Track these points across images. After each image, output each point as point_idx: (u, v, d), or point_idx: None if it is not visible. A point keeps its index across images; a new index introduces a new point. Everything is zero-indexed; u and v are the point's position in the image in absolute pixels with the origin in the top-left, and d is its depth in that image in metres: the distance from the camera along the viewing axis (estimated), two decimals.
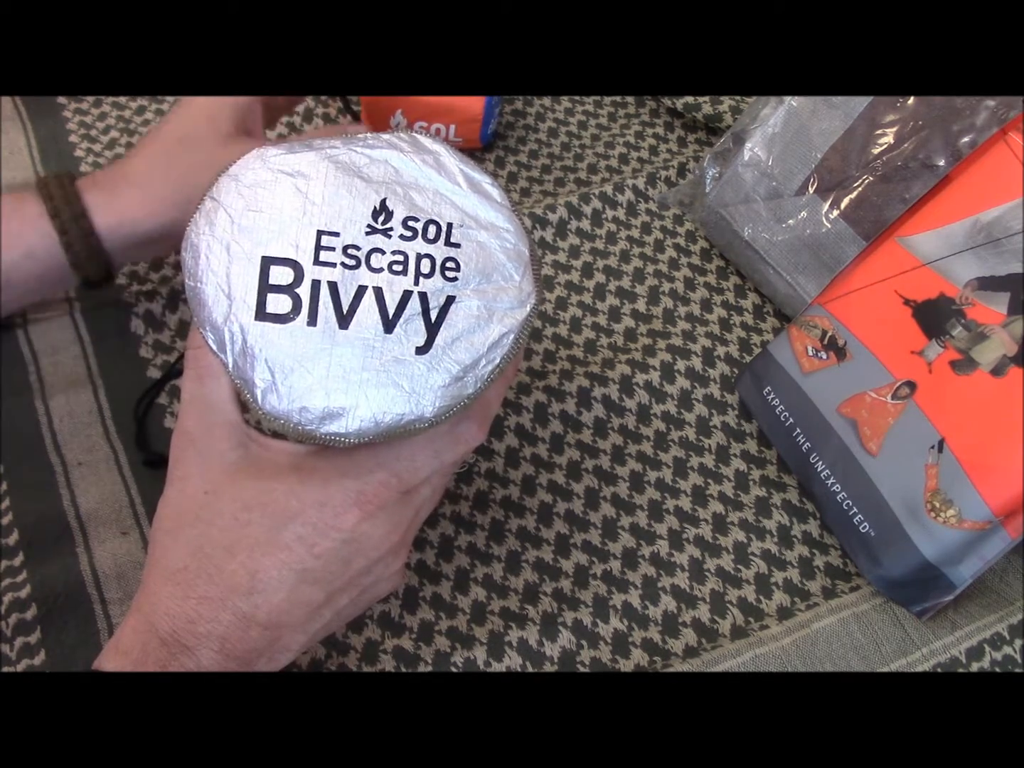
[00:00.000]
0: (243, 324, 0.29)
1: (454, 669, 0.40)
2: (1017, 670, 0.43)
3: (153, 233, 0.45)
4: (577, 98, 0.71)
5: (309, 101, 0.65)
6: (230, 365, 0.30)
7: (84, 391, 0.48)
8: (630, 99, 0.71)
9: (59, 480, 0.45)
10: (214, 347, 0.30)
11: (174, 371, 0.49)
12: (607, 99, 0.71)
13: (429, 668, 0.40)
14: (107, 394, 0.48)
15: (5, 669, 0.38)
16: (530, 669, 0.41)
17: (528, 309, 0.31)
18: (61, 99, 0.63)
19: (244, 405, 0.33)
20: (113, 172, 0.46)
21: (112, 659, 0.30)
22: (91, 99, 0.64)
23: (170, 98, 0.65)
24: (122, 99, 0.64)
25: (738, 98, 0.66)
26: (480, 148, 0.64)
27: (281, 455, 0.33)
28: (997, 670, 0.42)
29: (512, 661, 0.41)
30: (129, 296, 0.52)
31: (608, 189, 0.61)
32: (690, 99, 0.66)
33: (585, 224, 0.60)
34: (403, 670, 0.40)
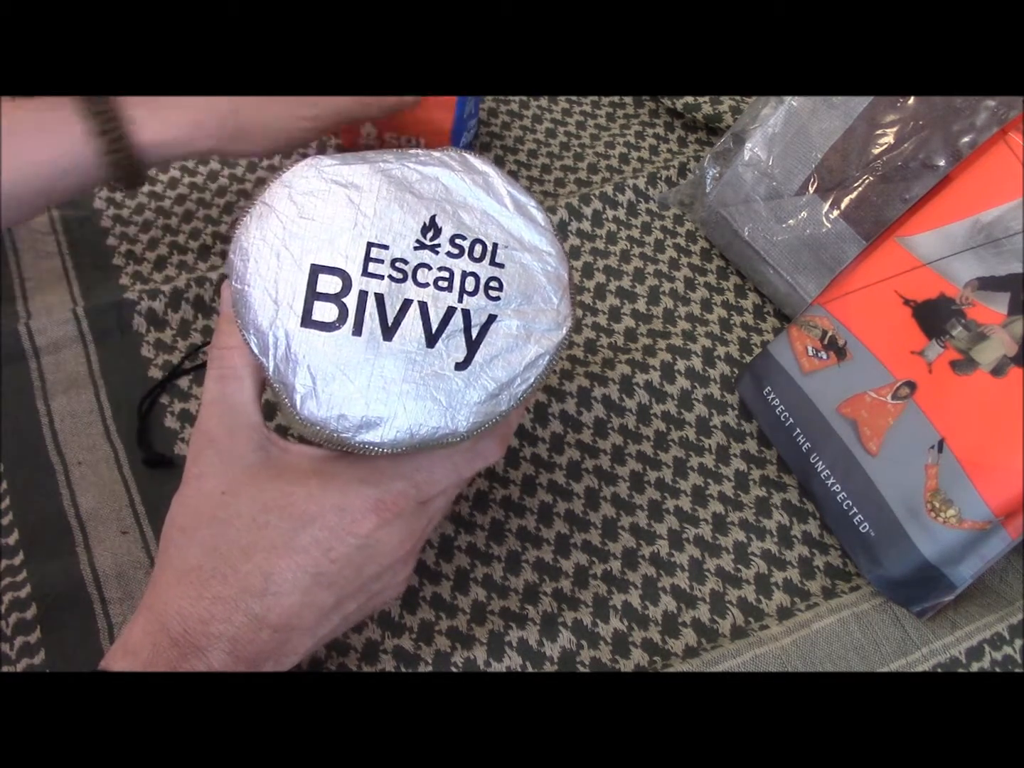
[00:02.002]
0: (288, 330, 0.30)
1: (454, 669, 0.40)
2: (1017, 670, 0.43)
3: (192, 154, 0.47)
4: (574, 98, 0.71)
5: None
6: (271, 369, 0.30)
7: (85, 390, 0.48)
8: (628, 99, 0.71)
9: (59, 480, 0.45)
10: (256, 350, 0.30)
11: (179, 370, 0.49)
12: (605, 99, 0.71)
13: (429, 668, 0.40)
14: (108, 393, 0.48)
15: (5, 668, 0.38)
16: (530, 669, 0.41)
17: (564, 332, 0.31)
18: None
19: (265, 409, 0.33)
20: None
21: (121, 659, 0.30)
22: None
23: None
24: None
25: (738, 98, 0.66)
26: None
27: (301, 459, 0.33)
28: (997, 670, 0.42)
29: (512, 661, 0.41)
30: (131, 295, 0.52)
31: (608, 189, 0.61)
32: (690, 99, 0.66)
33: (585, 224, 0.60)
34: (403, 670, 0.40)
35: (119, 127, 0.44)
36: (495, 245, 0.31)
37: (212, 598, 0.30)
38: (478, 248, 0.31)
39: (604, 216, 0.61)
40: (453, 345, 0.30)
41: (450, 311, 0.30)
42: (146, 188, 0.59)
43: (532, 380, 0.31)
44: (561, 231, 0.59)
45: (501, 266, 0.31)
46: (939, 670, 0.42)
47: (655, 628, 0.43)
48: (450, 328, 0.30)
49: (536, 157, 0.66)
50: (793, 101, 0.53)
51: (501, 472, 0.48)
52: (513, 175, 0.64)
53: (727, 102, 0.65)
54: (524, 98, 0.70)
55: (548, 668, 0.41)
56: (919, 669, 0.42)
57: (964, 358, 0.41)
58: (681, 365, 0.53)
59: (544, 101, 0.70)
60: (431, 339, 0.30)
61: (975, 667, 0.42)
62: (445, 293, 0.30)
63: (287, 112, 0.48)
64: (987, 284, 0.41)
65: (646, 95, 0.71)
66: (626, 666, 0.42)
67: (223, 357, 0.34)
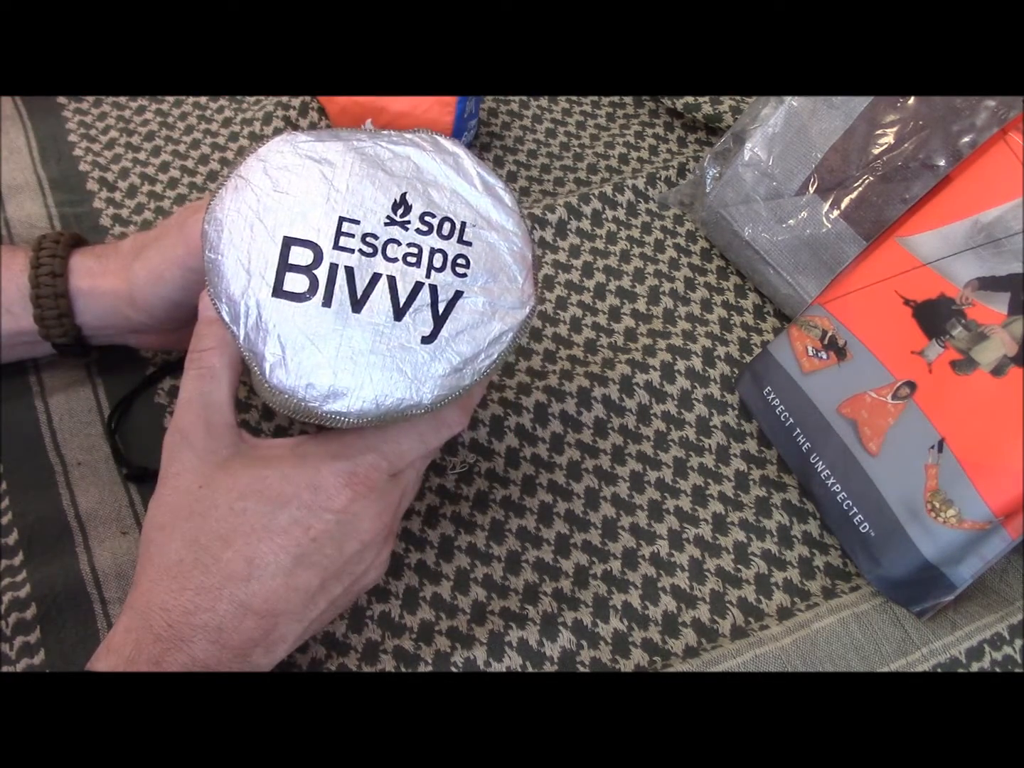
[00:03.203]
0: (259, 299, 0.30)
1: (454, 669, 0.40)
2: (1017, 670, 0.43)
3: (125, 311, 0.42)
4: (574, 98, 0.71)
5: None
6: (241, 337, 0.31)
7: (84, 390, 0.48)
8: (628, 99, 0.71)
9: (59, 480, 0.45)
10: (227, 319, 0.31)
11: (145, 385, 0.48)
12: (605, 99, 0.71)
13: (429, 668, 0.40)
14: (107, 393, 0.48)
15: (5, 668, 0.38)
16: (530, 669, 0.41)
17: (528, 310, 0.32)
18: (61, 99, 0.63)
19: (239, 405, 0.33)
20: (117, 243, 0.44)
21: (104, 658, 0.31)
22: (91, 99, 0.64)
23: (170, 98, 0.65)
24: (122, 99, 0.64)
25: (738, 98, 0.66)
26: None
27: (272, 448, 0.34)
28: (997, 670, 0.42)
29: (512, 661, 0.41)
30: None
31: (608, 189, 0.61)
32: (690, 99, 0.66)
33: (585, 224, 0.60)
34: (403, 670, 0.40)
35: (54, 265, 0.42)
36: (463, 224, 0.32)
37: (195, 589, 0.31)
38: (447, 226, 0.32)
39: (604, 216, 0.61)
40: (420, 319, 0.31)
41: (418, 286, 0.31)
42: (145, 188, 0.59)
43: (495, 356, 0.32)
44: (560, 231, 0.59)
45: (469, 244, 0.32)
46: (939, 670, 0.42)
47: (655, 628, 0.43)
48: (417, 302, 0.31)
49: (536, 157, 0.66)
50: (793, 101, 0.53)
51: (501, 472, 0.48)
52: (513, 175, 0.64)
53: (727, 102, 0.65)
54: (524, 98, 0.70)
55: (548, 668, 0.41)
56: (919, 669, 0.42)
57: (964, 358, 0.41)
58: (681, 365, 0.53)
59: (544, 101, 0.70)
60: (399, 312, 0.31)
61: (975, 667, 0.42)
62: (413, 268, 0.31)
63: None
64: (987, 284, 0.41)
65: (646, 95, 0.71)
66: (626, 666, 0.42)
67: (202, 358, 0.34)
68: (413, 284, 0.31)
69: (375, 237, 0.31)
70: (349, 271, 0.31)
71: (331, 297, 0.30)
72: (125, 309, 0.42)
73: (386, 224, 0.31)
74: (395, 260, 0.31)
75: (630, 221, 0.61)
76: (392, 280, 0.31)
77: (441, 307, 0.31)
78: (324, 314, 0.30)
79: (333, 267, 0.31)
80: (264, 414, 0.48)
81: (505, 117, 0.68)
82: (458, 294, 0.31)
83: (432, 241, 0.31)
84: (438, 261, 0.31)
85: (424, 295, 0.31)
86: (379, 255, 0.31)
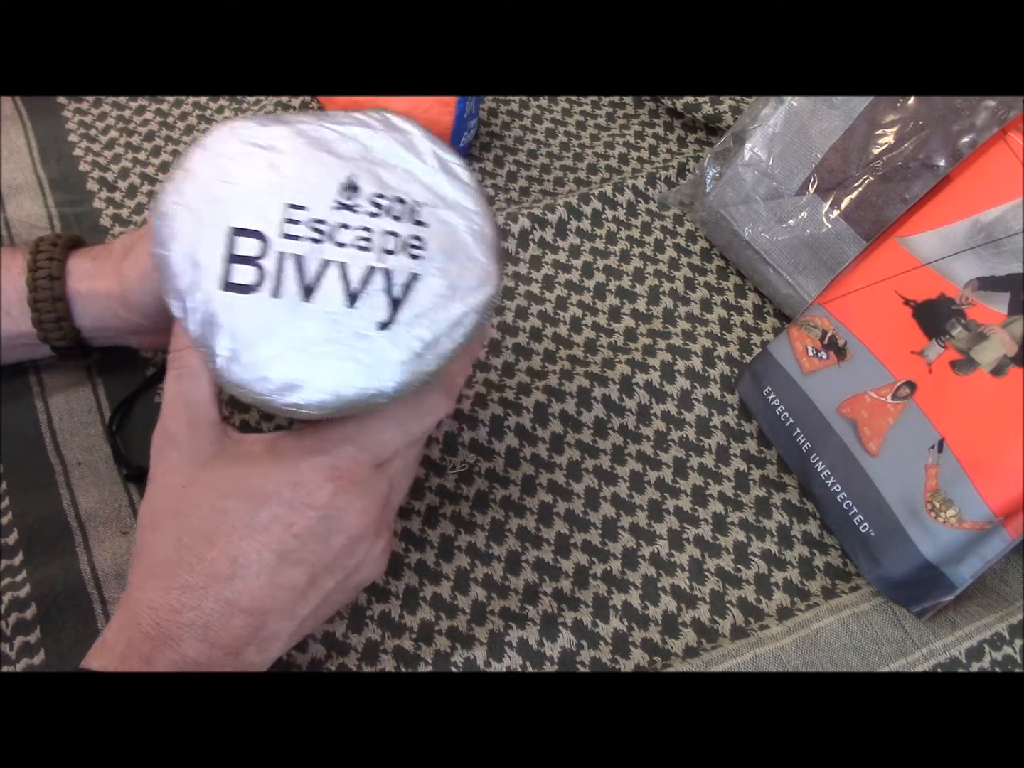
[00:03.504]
0: (208, 293, 0.30)
1: (454, 669, 0.40)
2: (1017, 670, 0.43)
3: (120, 312, 0.42)
4: (574, 98, 0.71)
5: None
6: (195, 334, 0.30)
7: (84, 390, 0.48)
8: (628, 99, 0.71)
9: (59, 480, 0.45)
10: (178, 314, 0.30)
11: (142, 388, 0.48)
12: (605, 99, 0.71)
13: (429, 668, 0.40)
14: (107, 393, 0.48)
15: (5, 669, 0.38)
16: (530, 669, 0.41)
17: (490, 289, 0.31)
18: (61, 99, 0.63)
19: (223, 402, 0.33)
20: (111, 244, 0.44)
21: (97, 657, 0.31)
22: (91, 99, 0.64)
23: (170, 98, 0.65)
24: (122, 99, 0.64)
25: (738, 98, 0.66)
26: None
27: (255, 444, 0.33)
28: (997, 670, 0.42)
29: (512, 661, 0.41)
30: None
31: (608, 189, 0.61)
32: (690, 99, 0.66)
33: (585, 224, 0.60)
34: (403, 670, 0.40)
35: (52, 268, 0.41)
36: (417, 203, 0.31)
37: (181, 588, 0.30)
38: (399, 207, 0.31)
39: (604, 216, 0.61)
40: (375, 304, 0.30)
41: (370, 271, 0.30)
42: (145, 188, 0.59)
43: (460, 339, 0.31)
44: (560, 231, 0.59)
45: (424, 224, 0.31)
46: (939, 670, 0.42)
47: (655, 628, 0.43)
48: (371, 288, 0.30)
49: (536, 157, 0.66)
50: (793, 101, 0.53)
51: (501, 472, 0.48)
52: (513, 175, 0.64)
53: (727, 102, 0.65)
54: (524, 98, 0.70)
55: (548, 668, 0.41)
56: (919, 669, 0.42)
57: (964, 358, 0.41)
58: (681, 365, 0.53)
59: (544, 101, 0.70)
60: (352, 299, 0.30)
61: (975, 667, 0.42)
62: (365, 253, 0.30)
63: None
64: (987, 284, 0.41)
65: (646, 95, 0.71)
66: (626, 666, 0.42)
67: (181, 357, 0.34)
68: (365, 269, 0.30)
69: (324, 223, 0.30)
70: (298, 259, 0.30)
71: (280, 287, 0.30)
72: (119, 310, 0.42)
73: (335, 208, 0.30)
74: (345, 245, 0.30)
75: (630, 221, 0.61)
76: (343, 266, 0.30)
77: (396, 291, 0.30)
78: (274, 305, 0.30)
79: (281, 256, 0.30)
80: (264, 413, 0.48)
81: (505, 117, 0.68)
82: (414, 277, 0.30)
83: (384, 223, 0.30)
84: (391, 244, 0.30)
85: (377, 280, 0.30)
86: (328, 241, 0.30)
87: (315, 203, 0.30)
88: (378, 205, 0.30)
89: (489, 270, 0.31)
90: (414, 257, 0.30)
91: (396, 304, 0.30)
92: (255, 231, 0.30)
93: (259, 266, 0.30)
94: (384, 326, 0.30)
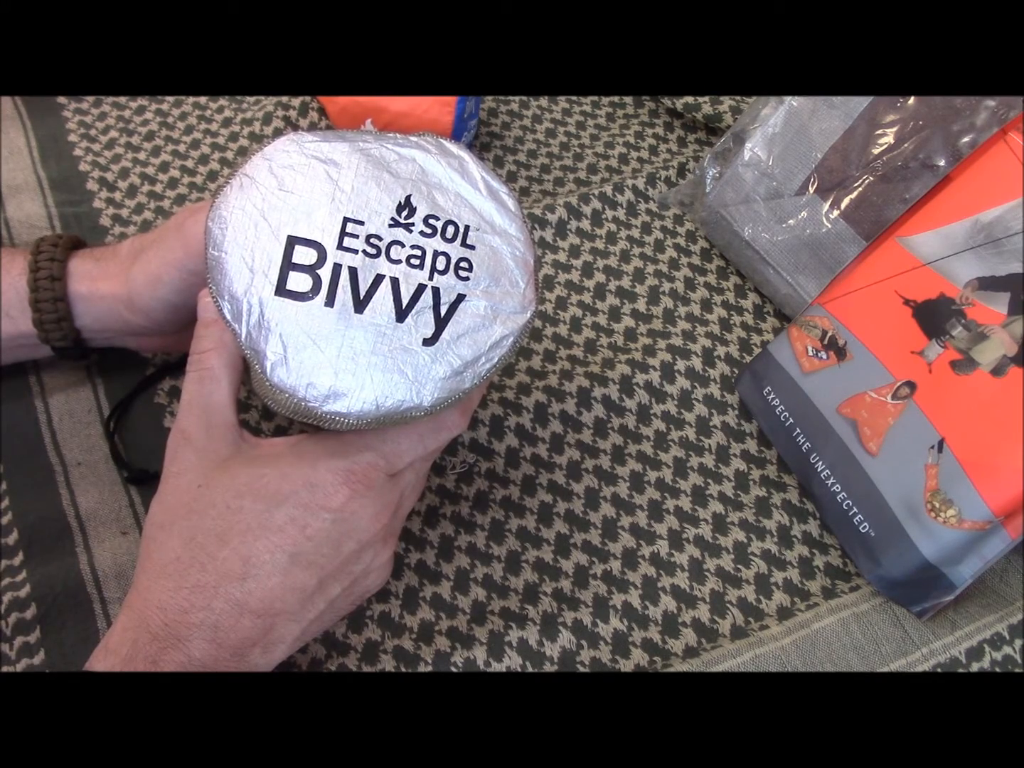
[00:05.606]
0: (262, 297, 0.30)
1: (454, 669, 0.40)
2: (1017, 670, 0.43)
3: (123, 315, 0.42)
4: (574, 98, 0.71)
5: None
6: (243, 336, 0.31)
7: (83, 390, 0.48)
8: (628, 99, 0.71)
9: (59, 480, 0.45)
10: (229, 317, 0.31)
11: (141, 388, 0.48)
12: (605, 99, 0.71)
13: (429, 668, 0.40)
14: (107, 393, 0.48)
15: (5, 669, 0.38)
16: (530, 669, 0.41)
17: (528, 315, 0.32)
18: (61, 99, 0.63)
19: (239, 406, 0.33)
20: (116, 246, 0.44)
21: (102, 658, 0.31)
22: (91, 99, 0.64)
23: (170, 98, 0.65)
24: (122, 99, 0.64)
25: (738, 98, 0.66)
26: None
27: (272, 447, 0.34)
28: (997, 670, 0.42)
29: (512, 661, 0.41)
30: None
31: (608, 189, 0.61)
32: (690, 99, 0.66)
33: (585, 224, 0.60)
34: (403, 670, 0.40)
35: (53, 269, 0.41)
36: (467, 227, 0.32)
37: (191, 587, 0.31)
38: (450, 229, 0.32)
39: (604, 216, 0.61)
40: (422, 321, 0.31)
41: (420, 288, 0.31)
42: (145, 188, 0.59)
43: (496, 360, 0.32)
44: (560, 231, 0.59)
45: (472, 248, 0.32)
46: (939, 670, 0.42)
47: (655, 628, 0.43)
48: (420, 304, 0.31)
49: (536, 157, 0.66)
50: (793, 101, 0.53)
51: (501, 472, 0.48)
52: (513, 175, 0.64)
53: (727, 102, 0.65)
54: (524, 98, 0.70)
55: (548, 668, 0.41)
56: (919, 669, 0.42)
57: (964, 358, 0.41)
58: (681, 365, 0.53)
59: (544, 101, 0.70)
60: (401, 314, 0.31)
61: (975, 667, 0.42)
62: (416, 271, 0.31)
63: None
64: (987, 284, 0.41)
65: (646, 95, 0.71)
66: (626, 666, 0.42)
67: (201, 359, 0.35)
68: (416, 286, 0.31)
69: (379, 238, 0.31)
70: (352, 271, 0.31)
71: (334, 297, 0.30)
72: (123, 312, 0.42)
73: (390, 226, 0.31)
74: (399, 262, 0.31)
75: (630, 221, 0.61)
76: (395, 282, 0.31)
77: (443, 310, 0.31)
78: (327, 314, 0.30)
79: (337, 267, 0.31)
80: (264, 414, 0.48)
81: (505, 117, 0.68)
82: (460, 297, 0.31)
83: (436, 244, 0.31)
84: (441, 264, 0.31)
85: (427, 297, 0.31)
86: (383, 256, 0.31)
87: (372, 219, 0.31)
88: (431, 226, 0.32)
89: (528, 296, 0.32)
90: (461, 278, 0.32)
91: (442, 322, 0.31)
92: (313, 241, 0.31)
93: (315, 275, 0.31)
94: (428, 342, 0.31)
